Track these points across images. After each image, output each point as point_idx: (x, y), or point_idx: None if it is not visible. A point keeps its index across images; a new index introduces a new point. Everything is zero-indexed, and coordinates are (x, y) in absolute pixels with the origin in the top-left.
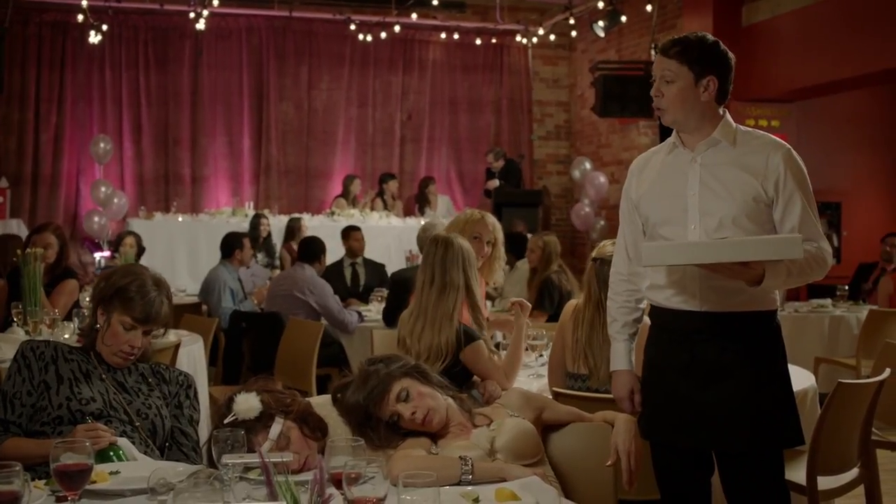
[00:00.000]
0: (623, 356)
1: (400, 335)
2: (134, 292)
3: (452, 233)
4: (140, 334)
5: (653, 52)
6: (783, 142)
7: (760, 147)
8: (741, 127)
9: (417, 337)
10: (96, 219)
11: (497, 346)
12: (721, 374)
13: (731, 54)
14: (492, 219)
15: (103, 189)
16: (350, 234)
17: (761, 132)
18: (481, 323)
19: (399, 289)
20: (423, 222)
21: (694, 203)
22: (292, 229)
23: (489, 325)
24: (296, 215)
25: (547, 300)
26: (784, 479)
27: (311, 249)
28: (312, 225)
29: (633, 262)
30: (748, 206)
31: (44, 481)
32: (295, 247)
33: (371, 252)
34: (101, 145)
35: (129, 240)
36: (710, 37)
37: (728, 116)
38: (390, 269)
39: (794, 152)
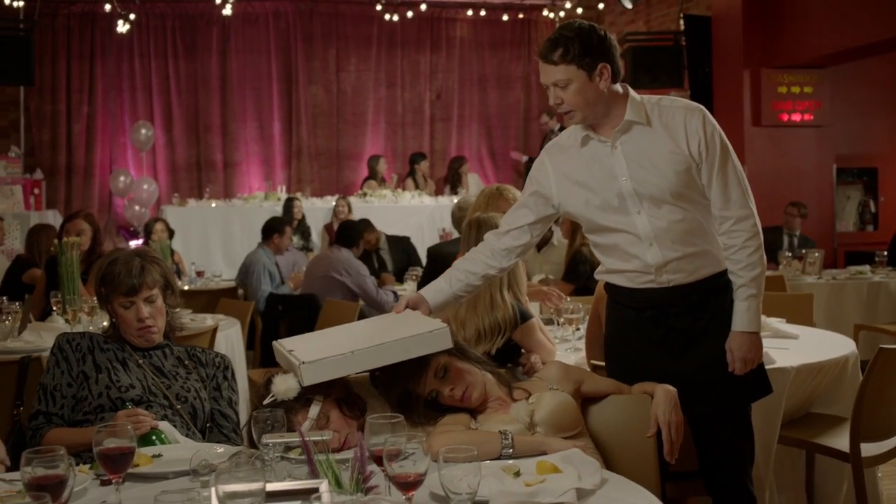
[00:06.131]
0: None
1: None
2: (118, 271)
3: (490, 213)
4: (142, 304)
5: (681, 22)
6: (696, 104)
7: (675, 113)
8: (648, 98)
9: (462, 322)
10: (136, 207)
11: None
12: (696, 340)
13: (607, 33)
14: (511, 191)
15: (122, 178)
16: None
17: (671, 97)
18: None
19: (436, 264)
20: (455, 200)
21: (629, 189)
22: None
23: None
24: (329, 197)
25: (573, 273)
26: (751, 426)
27: (349, 233)
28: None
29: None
30: (682, 178)
31: (88, 465)
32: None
33: (405, 230)
34: (143, 132)
35: (159, 225)
36: (584, 23)
37: (631, 92)
38: (423, 249)
39: (709, 114)
